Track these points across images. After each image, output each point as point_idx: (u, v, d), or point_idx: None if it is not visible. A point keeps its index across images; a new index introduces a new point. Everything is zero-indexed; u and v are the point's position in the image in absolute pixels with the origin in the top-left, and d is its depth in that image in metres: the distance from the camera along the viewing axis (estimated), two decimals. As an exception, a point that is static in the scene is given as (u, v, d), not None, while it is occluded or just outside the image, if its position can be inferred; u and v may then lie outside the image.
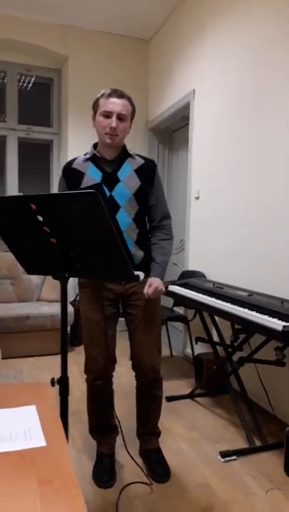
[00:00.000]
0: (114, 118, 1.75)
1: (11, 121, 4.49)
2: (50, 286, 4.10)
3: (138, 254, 1.87)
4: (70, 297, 4.40)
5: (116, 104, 1.76)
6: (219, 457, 2.15)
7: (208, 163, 3.37)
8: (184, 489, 1.90)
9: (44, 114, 4.75)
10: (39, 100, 4.76)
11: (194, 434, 2.40)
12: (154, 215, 1.94)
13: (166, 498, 1.83)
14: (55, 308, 3.75)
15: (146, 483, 1.92)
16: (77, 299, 4.15)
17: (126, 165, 1.86)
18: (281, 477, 2.00)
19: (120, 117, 1.77)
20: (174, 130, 4.54)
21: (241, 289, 2.66)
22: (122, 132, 1.79)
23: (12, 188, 4.57)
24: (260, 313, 2.06)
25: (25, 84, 4.62)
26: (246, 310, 2.14)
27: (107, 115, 1.77)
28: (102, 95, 1.80)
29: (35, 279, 4.16)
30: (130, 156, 1.89)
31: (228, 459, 2.13)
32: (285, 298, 2.39)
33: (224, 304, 2.33)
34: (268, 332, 1.96)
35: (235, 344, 2.51)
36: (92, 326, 1.90)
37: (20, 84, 4.56)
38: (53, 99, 4.72)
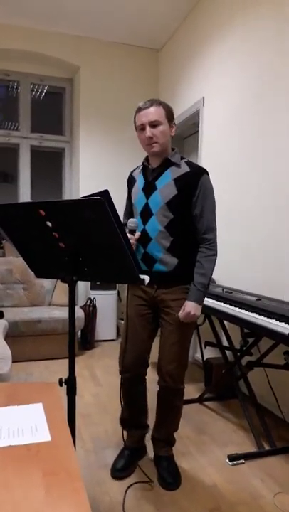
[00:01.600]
0: (147, 128, 1.80)
1: (23, 130, 4.60)
2: (61, 290, 4.16)
3: (170, 261, 1.86)
4: (81, 302, 4.46)
5: (146, 115, 1.80)
6: (227, 460, 2.15)
7: (217, 169, 3.40)
8: (192, 491, 1.91)
9: (56, 123, 4.84)
10: (51, 109, 4.87)
11: (203, 437, 2.41)
12: (199, 226, 1.86)
13: (175, 499, 1.85)
14: (66, 313, 3.79)
15: (147, 481, 1.95)
16: (88, 303, 4.21)
17: (166, 173, 1.86)
18: (289, 481, 2.00)
19: (153, 124, 1.79)
20: (185, 137, 4.58)
21: (250, 294, 2.68)
22: (160, 138, 1.81)
23: (25, 195, 4.66)
24: (268, 317, 2.08)
25: (38, 94, 4.73)
26: (254, 314, 2.16)
27: (142, 128, 1.83)
28: (136, 112, 1.86)
29: (47, 284, 4.22)
30: (174, 164, 1.87)
31: (236, 462, 2.14)
32: (293, 302, 2.40)
33: (232, 308, 2.35)
34: (275, 336, 1.97)
35: (244, 348, 2.52)
36: (128, 321, 1.99)
37: (33, 93, 4.67)
38: (65, 107, 4.82)
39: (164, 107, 1.82)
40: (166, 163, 1.88)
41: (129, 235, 1.80)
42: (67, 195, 4.88)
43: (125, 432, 2.14)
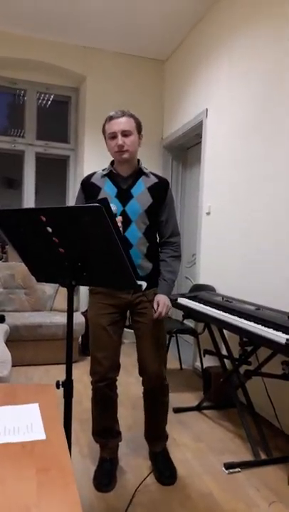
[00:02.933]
0: (119, 136, 1.88)
1: (29, 137, 4.67)
2: (62, 296, 4.19)
3: (147, 266, 1.98)
4: (83, 308, 4.49)
5: (118, 124, 1.89)
6: (224, 469, 2.16)
7: (220, 180, 3.44)
8: (188, 498, 1.92)
9: (62, 131, 4.92)
10: (57, 117, 4.94)
11: (200, 445, 2.42)
12: (164, 231, 2.05)
13: (170, 506, 1.86)
14: (68, 319, 3.83)
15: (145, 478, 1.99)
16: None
17: (140, 182, 1.97)
18: (285, 490, 2.00)
19: (124, 134, 1.89)
20: (188, 147, 4.64)
21: (250, 303, 2.70)
22: (130, 147, 1.91)
23: (29, 201, 4.72)
24: (266, 326, 2.10)
25: (44, 102, 4.80)
26: (252, 323, 2.18)
27: (113, 136, 1.90)
28: (105, 121, 1.95)
29: (49, 289, 4.26)
30: (144, 174, 2.00)
31: (232, 470, 2.14)
32: (291, 312, 2.41)
33: (231, 317, 2.36)
34: (272, 345, 1.99)
35: (242, 357, 2.53)
36: (98, 331, 1.99)
37: (40, 101, 4.75)
38: (70, 116, 4.89)
39: (135, 119, 1.94)
40: (139, 173, 1.99)
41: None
42: (71, 203, 4.93)
43: (100, 444, 2.13)
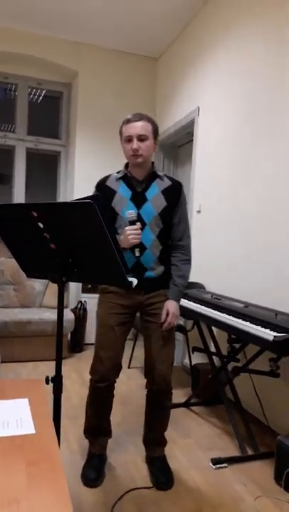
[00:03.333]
0: (134, 140, 1.87)
1: (20, 132, 4.63)
2: (52, 292, 4.18)
3: (159, 269, 1.98)
4: (72, 305, 4.48)
5: (134, 128, 1.87)
6: (211, 464, 2.18)
7: (210, 178, 3.46)
8: (175, 493, 1.94)
9: (53, 127, 4.89)
10: (48, 113, 4.91)
11: (188, 441, 2.44)
12: (176, 234, 2.03)
13: (157, 501, 1.87)
14: (56, 315, 3.82)
15: (148, 488, 1.97)
16: (79, 306, 4.23)
17: (154, 185, 1.97)
18: (271, 485, 2.04)
19: (140, 138, 1.88)
20: (180, 145, 4.65)
21: (239, 301, 2.72)
22: (145, 151, 1.89)
23: (19, 197, 4.69)
24: (254, 323, 2.13)
25: (35, 97, 4.77)
26: (240, 320, 2.21)
27: (129, 139, 1.90)
28: (123, 123, 1.93)
29: (38, 285, 4.24)
30: (158, 177, 2.00)
31: (219, 466, 2.17)
32: (280, 310, 2.45)
33: (220, 314, 2.39)
34: (260, 342, 2.02)
35: (231, 354, 2.56)
36: (105, 330, 1.99)
37: (31, 96, 4.72)
38: (62, 112, 4.87)
39: (152, 123, 1.93)
40: (153, 176, 1.99)
41: (131, 226, 1.83)
42: (61, 198, 4.91)
43: (89, 440, 2.15)
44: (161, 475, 2.03)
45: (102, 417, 2.11)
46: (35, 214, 1.34)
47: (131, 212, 1.85)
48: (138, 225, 1.84)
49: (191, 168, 3.86)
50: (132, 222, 1.84)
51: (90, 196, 1.34)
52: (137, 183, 1.97)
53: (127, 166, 2.02)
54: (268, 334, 1.96)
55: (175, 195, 1.99)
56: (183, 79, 4.05)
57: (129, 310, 2.00)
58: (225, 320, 2.30)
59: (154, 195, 1.96)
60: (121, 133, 1.95)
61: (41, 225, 1.37)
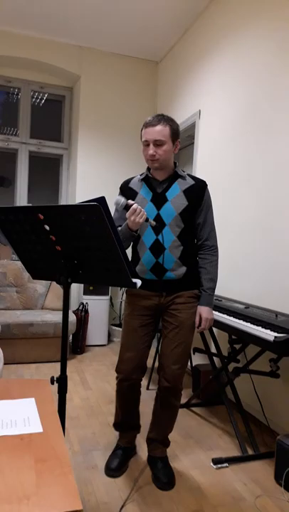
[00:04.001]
0: (151, 146, 1.88)
1: (23, 136, 4.67)
2: (54, 294, 4.21)
3: (179, 270, 1.95)
4: (74, 306, 4.51)
5: (151, 133, 1.87)
6: (212, 464, 2.21)
7: (211, 181, 3.49)
8: (176, 493, 1.96)
9: (55, 130, 4.93)
10: (51, 116, 4.95)
11: (189, 441, 2.46)
12: (201, 234, 2.02)
13: (159, 500, 1.90)
14: (59, 317, 3.85)
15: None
16: (80, 308, 4.25)
17: (175, 185, 1.97)
18: (271, 485, 2.06)
19: (157, 144, 1.87)
20: (181, 148, 4.68)
21: (239, 302, 2.75)
22: (162, 156, 1.88)
23: (22, 200, 4.72)
24: (254, 324, 2.15)
25: (38, 101, 4.81)
26: (241, 321, 2.23)
27: (146, 144, 1.91)
28: (143, 125, 1.93)
29: (40, 287, 4.27)
30: (181, 177, 1.99)
31: (220, 466, 2.19)
32: (280, 311, 2.47)
33: (220, 315, 2.42)
34: (261, 342, 2.04)
35: (232, 355, 2.58)
36: (128, 331, 2.01)
37: (33, 100, 4.76)
38: (64, 115, 4.91)
39: (170, 126, 1.89)
40: (174, 176, 1.98)
41: (129, 211, 1.80)
42: (63, 201, 4.95)
43: (117, 433, 2.22)
44: (163, 476, 2.04)
45: (128, 412, 2.15)
46: (41, 216, 1.37)
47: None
48: (135, 205, 1.80)
49: (191, 171, 3.89)
50: (126, 208, 1.83)
51: (96, 198, 1.37)
52: (157, 184, 1.98)
53: (149, 167, 2.02)
54: (269, 335, 1.98)
55: (198, 194, 1.97)
56: (184, 82, 4.08)
57: (151, 311, 2.00)
58: (225, 321, 2.32)
59: (175, 195, 1.94)
60: (141, 135, 1.95)
61: (47, 228, 1.39)
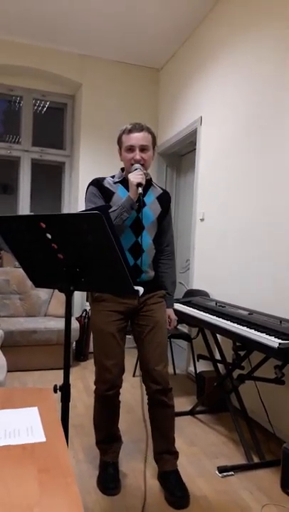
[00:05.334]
0: (137, 151, 1.94)
1: (25, 143, 4.70)
2: (57, 301, 4.21)
3: (151, 272, 2.06)
4: (77, 313, 4.50)
5: (137, 139, 1.94)
6: (217, 472, 2.19)
7: (213, 187, 3.49)
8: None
9: (57, 137, 4.95)
10: (53, 124, 4.98)
11: (194, 449, 2.44)
12: (165, 239, 2.16)
13: (164, 509, 1.88)
14: (62, 324, 3.84)
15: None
16: (84, 314, 4.25)
17: (150, 192, 2.08)
18: (277, 493, 2.03)
19: (142, 149, 1.95)
20: (182, 155, 4.70)
21: (243, 308, 2.74)
22: (147, 161, 1.98)
23: (24, 207, 4.74)
24: (258, 331, 2.14)
25: (40, 108, 4.84)
26: (245, 328, 2.22)
27: (131, 149, 1.95)
28: (123, 131, 1.99)
29: (43, 294, 4.27)
30: (152, 184, 2.11)
31: (225, 474, 2.17)
32: (284, 317, 2.46)
33: (224, 321, 2.40)
34: (265, 349, 2.03)
35: (236, 362, 2.57)
36: (107, 338, 1.99)
37: (35, 108, 4.79)
38: (66, 123, 4.93)
39: (152, 134, 2.00)
40: (149, 183, 2.07)
41: (139, 170, 1.91)
42: (65, 209, 4.96)
43: (102, 450, 2.14)
44: (178, 491, 1.95)
45: (113, 424, 2.13)
46: (43, 225, 1.37)
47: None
48: (139, 168, 1.90)
49: (194, 177, 3.89)
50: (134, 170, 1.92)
51: (98, 207, 1.37)
52: None
53: (122, 170, 2.09)
54: (273, 341, 1.97)
55: (167, 202, 2.12)
56: (185, 89, 4.10)
57: (125, 315, 2.03)
58: (229, 327, 2.31)
59: (151, 200, 2.05)
60: (120, 142, 2.01)
61: (49, 236, 1.40)
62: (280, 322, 2.28)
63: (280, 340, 1.96)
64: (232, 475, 2.17)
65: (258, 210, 2.85)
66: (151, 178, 2.11)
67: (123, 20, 3.79)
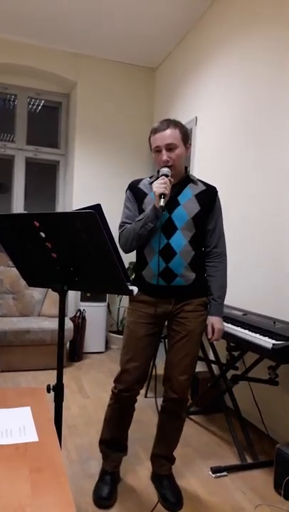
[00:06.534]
0: (163, 151, 1.82)
1: (19, 142, 4.68)
2: (51, 301, 4.19)
3: (189, 276, 1.89)
4: (71, 313, 4.49)
5: (162, 139, 1.82)
6: (210, 473, 2.18)
7: (208, 187, 3.49)
8: (174, 502, 1.93)
9: (52, 136, 4.94)
10: (47, 122, 4.96)
11: (187, 450, 2.44)
12: (211, 240, 1.97)
13: (157, 510, 1.87)
14: (55, 324, 3.82)
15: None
16: (78, 314, 4.23)
17: (187, 190, 1.91)
18: (270, 493, 2.04)
19: (169, 148, 1.82)
20: (177, 154, 4.69)
21: (237, 309, 2.74)
22: (176, 160, 1.84)
23: (18, 206, 4.71)
24: (252, 331, 2.14)
25: (34, 107, 4.82)
26: (239, 328, 2.22)
27: (158, 150, 1.85)
28: (151, 132, 1.88)
29: (37, 294, 4.25)
30: (192, 181, 1.94)
31: (219, 474, 2.17)
32: (278, 318, 2.46)
33: (218, 322, 2.40)
34: (259, 350, 2.03)
35: (230, 362, 2.57)
36: (134, 340, 1.91)
37: (30, 106, 4.77)
38: (61, 121, 4.92)
39: (180, 129, 1.85)
40: (186, 180, 1.93)
41: (164, 177, 1.78)
42: (60, 208, 4.94)
43: (104, 454, 2.06)
44: (172, 496, 1.94)
45: (121, 428, 2.03)
46: (37, 224, 1.36)
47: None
48: (164, 177, 1.78)
49: (189, 178, 3.89)
50: (165, 175, 1.80)
51: (92, 206, 1.36)
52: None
53: (158, 171, 1.95)
54: (267, 342, 1.97)
55: (210, 199, 1.93)
56: (181, 89, 4.10)
57: (158, 320, 1.92)
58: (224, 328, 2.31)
59: (187, 199, 1.89)
60: (150, 143, 1.90)
61: (43, 235, 1.39)
62: (274, 323, 2.29)
63: (274, 341, 1.96)
64: (225, 475, 2.17)
65: (253, 210, 2.86)
66: (188, 175, 1.94)
67: (118, 19, 3.78)
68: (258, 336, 2.06)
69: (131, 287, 1.42)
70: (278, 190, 2.60)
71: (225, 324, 2.32)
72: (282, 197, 2.57)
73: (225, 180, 3.23)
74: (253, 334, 2.09)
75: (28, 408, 1.16)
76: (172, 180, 1.80)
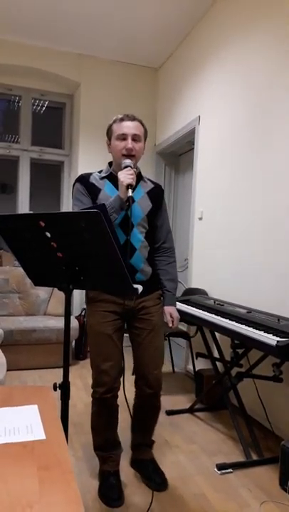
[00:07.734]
0: (129, 140, 1.86)
1: (24, 143, 4.70)
2: (56, 300, 4.21)
3: (148, 270, 1.98)
4: (76, 312, 4.51)
5: (129, 127, 1.87)
6: (216, 469, 2.20)
7: (211, 186, 3.50)
8: (181, 500, 1.95)
9: (56, 137, 4.96)
10: (52, 123, 4.98)
11: (192, 447, 2.45)
12: (160, 236, 2.06)
13: (163, 507, 1.89)
14: (61, 322, 3.85)
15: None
16: (83, 313, 4.26)
17: (139, 187, 1.97)
18: (276, 490, 2.05)
19: (134, 138, 1.87)
20: (180, 154, 4.70)
21: (241, 307, 2.75)
22: (138, 152, 1.90)
23: (23, 206, 4.74)
24: (257, 329, 2.15)
25: (38, 108, 4.84)
26: (243, 326, 2.23)
27: (123, 138, 1.87)
28: (114, 121, 1.93)
29: (43, 293, 4.27)
30: (142, 179, 2.01)
31: (224, 471, 2.18)
32: (282, 315, 2.47)
33: (223, 319, 2.41)
34: (263, 347, 2.04)
35: (234, 360, 2.58)
36: (103, 340, 1.92)
37: (34, 107, 4.79)
38: (65, 122, 4.94)
39: (144, 126, 1.94)
40: (138, 177, 1.98)
41: (129, 168, 1.81)
42: (65, 208, 4.96)
43: (102, 458, 2.07)
44: (157, 477, 2.04)
45: (112, 428, 2.06)
46: (42, 224, 1.38)
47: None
48: (129, 166, 1.82)
49: (192, 176, 3.90)
50: (125, 167, 1.82)
51: (97, 205, 1.38)
52: None
53: (110, 164, 2.01)
54: (271, 339, 1.98)
55: (159, 197, 2.03)
56: (183, 88, 4.10)
57: (120, 316, 1.95)
58: (228, 325, 2.32)
59: (140, 196, 1.95)
60: (111, 131, 1.92)
61: (48, 235, 1.40)
62: (278, 320, 2.29)
63: (278, 338, 1.97)
64: (231, 472, 2.19)
65: (256, 208, 2.86)
66: (140, 172, 2.00)
67: (121, 19, 3.79)
68: (262, 333, 2.07)
69: (135, 286, 1.43)
70: (281, 188, 2.60)
71: (229, 322, 2.33)
72: (286, 195, 2.57)
73: (227, 179, 3.24)
74: (257, 332, 2.10)
75: (35, 406, 1.18)
76: (136, 171, 1.86)
